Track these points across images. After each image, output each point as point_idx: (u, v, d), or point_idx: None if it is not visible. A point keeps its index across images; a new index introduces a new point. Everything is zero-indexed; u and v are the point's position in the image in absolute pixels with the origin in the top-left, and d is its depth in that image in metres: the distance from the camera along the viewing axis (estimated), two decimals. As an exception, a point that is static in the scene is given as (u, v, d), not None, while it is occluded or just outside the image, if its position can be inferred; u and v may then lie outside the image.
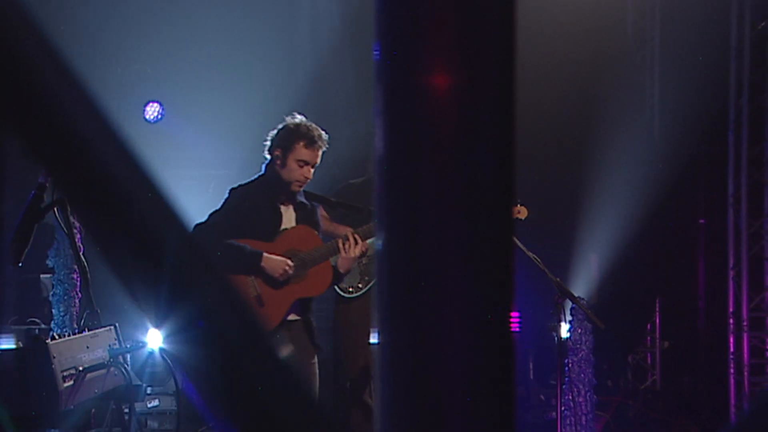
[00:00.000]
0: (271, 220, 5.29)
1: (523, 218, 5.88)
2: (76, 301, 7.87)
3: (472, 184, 1.01)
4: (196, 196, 9.96)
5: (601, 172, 9.79)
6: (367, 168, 6.61)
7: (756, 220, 8.88)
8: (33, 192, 3.71)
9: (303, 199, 5.44)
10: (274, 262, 5.10)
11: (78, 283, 7.90)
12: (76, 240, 3.79)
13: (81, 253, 3.81)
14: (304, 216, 5.39)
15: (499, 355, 1.04)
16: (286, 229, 5.32)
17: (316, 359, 5.39)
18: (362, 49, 9.96)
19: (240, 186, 5.41)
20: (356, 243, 5.20)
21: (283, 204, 5.35)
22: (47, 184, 3.78)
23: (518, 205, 5.78)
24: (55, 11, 9.27)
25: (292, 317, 5.25)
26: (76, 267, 7.66)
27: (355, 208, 5.58)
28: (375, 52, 1.03)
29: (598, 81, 10.24)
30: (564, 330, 9.12)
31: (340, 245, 5.22)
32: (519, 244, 5.06)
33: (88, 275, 3.71)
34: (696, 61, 9.49)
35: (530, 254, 5.18)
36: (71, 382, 3.05)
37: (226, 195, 5.41)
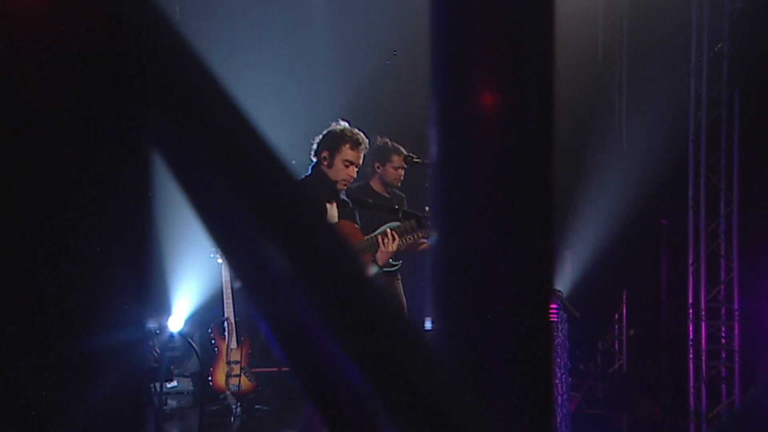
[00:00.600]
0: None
1: None
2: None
3: (515, 188, 1.05)
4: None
5: (576, 177, 9.83)
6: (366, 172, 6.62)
7: (713, 220, 8.93)
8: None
9: (344, 197, 5.48)
10: None
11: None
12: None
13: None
14: (346, 213, 5.44)
15: (538, 342, 1.06)
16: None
17: None
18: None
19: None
20: (394, 239, 5.22)
21: (328, 202, 5.38)
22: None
23: None
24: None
25: None
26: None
27: (392, 210, 5.60)
28: (431, 71, 1.06)
29: (573, 96, 10.26)
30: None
31: (380, 240, 5.24)
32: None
33: None
34: (659, 79, 9.53)
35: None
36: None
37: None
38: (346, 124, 5.45)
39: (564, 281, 8.87)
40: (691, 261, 9.02)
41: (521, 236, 1.07)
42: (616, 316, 10.18)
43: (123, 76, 0.82)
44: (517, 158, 1.08)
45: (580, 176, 9.74)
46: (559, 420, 5.93)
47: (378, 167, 5.64)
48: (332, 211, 5.37)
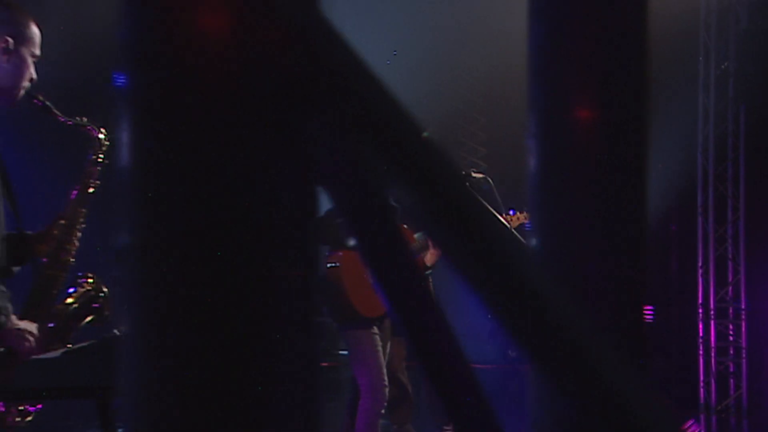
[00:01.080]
0: None
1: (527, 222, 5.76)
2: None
3: (610, 197, 1.04)
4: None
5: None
6: None
7: (720, 226, 8.95)
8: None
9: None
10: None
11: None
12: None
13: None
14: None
15: (634, 341, 1.06)
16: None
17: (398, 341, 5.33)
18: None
19: None
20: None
21: None
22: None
23: (524, 212, 5.70)
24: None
25: None
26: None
27: None
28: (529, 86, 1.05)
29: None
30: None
31: (430, 242, 5.12)
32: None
33: None
34: (670, 95, 9.51)
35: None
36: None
37: None
38: None
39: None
40: (700, 264, 9.02)
41: (616, 242, 1.07)
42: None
43: (304, 95, 0.80)
44: (612, 170, 1.06)
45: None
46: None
47: None
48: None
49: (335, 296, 4.98)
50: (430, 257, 5.12)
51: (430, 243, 5.06)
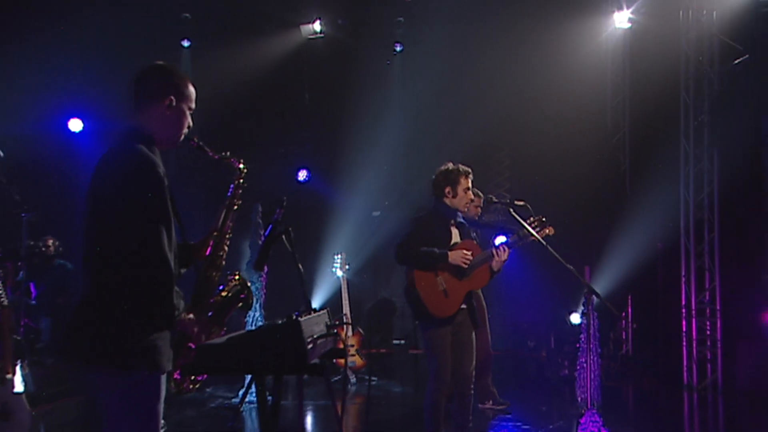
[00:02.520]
0: (446, 237, 5.09)
1: (551, 235, 5.67)
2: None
3: None
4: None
5: (591, 215, 9.84)
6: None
7: (699, 244, 8.91)
8: (271, 225, 3.73)
9: (462, 220, 5.25)
10: (456, 254, 4.93)
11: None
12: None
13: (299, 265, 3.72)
14: (465, 233, 5.20)
15: None
16: (456, 242, 5.11)
17: (473, 333, 5.17)
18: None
19: (420, 217, 5.19)
20: (504, 251, 5.02)
21: (452, 225, 5.16)
22: (280, 219, 3.79)
23: (549, 227, 5.61)
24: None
25: (462, 305, 5.06)
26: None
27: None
28: None
29: (588, 154, 10.30)
30: (576, 318, 9.17)
31: (495, 252, 5.00)
32: (557, 256, 4.96)
33: (304, 278, 3.69)
34: (656, 140, 9.53)
35: (568, 266, 5.00)
36: (311, 345, 3.06)
37: (412, 224, 5.18)
38: (451, 164, 5.21)
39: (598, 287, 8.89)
40: (683, 273, 8.99)
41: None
42: (623, 314, 10.03)
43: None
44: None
45: (594, 214, 9.73)
46: (593, 389, 5.80)
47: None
48: (455, 233, 5.15)
49: (416, 302, 5.00)
50: (495, 263, 5.09)
51: (494, 252, 5.04)
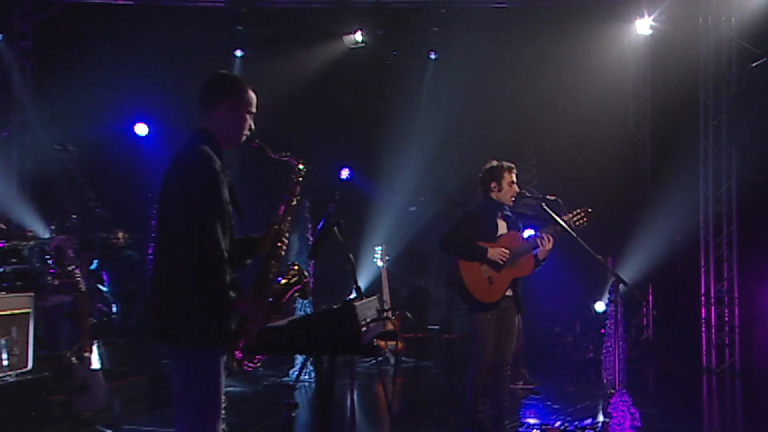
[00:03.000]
0: (492, 228, 5.09)
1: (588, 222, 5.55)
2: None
3: None
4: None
5: (612, 209, 9.75)
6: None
7: (718, 236, 8.77)
8: (324, 218, 3.75)
9: (509, 213, 5.23)
10: (495, 251, 4.93)
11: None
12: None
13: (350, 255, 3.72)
14: (511, 224, 5.19)
15: None
16: (502, 234, 5.11)
17: (518, 318, 5.20)
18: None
19: (470, 210, 5.20)
20: (549, 240, 4.96)
21: (498, 218, 5.15)
22: (332, 212, 3.82)
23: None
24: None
25: (508, 293, 5.07)
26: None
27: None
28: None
29: (611, 153, 10.19)
30: (600, 306, 9.08)
31: (539, 242, 4.96)
32: (587, 247, 4.90)
33: (355, 267, 3.70)
34: (676, 139, 9.39)
35: (597, 256, 4.93)
36: (365, 328, 3.08)
37: (461, 216, 5.18)
38: (495, 161, 5.19)
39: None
40: (702, 264, 8.86)
41: None
42: (644, 302, 9.90)
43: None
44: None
45: (617, 209, 9.61)
46: (618, 371, 5.75)
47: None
48: (502, 224, 5.14)
49: (462, 289, 5.02)
50: (541, 253, 5.06)
51: (539, 241, 5.00)
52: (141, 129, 10.33)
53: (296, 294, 3.28)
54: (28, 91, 10.17)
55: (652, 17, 9.33)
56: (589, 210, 5.16)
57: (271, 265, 3.20)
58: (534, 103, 10.04)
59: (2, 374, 5.17)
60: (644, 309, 10.02)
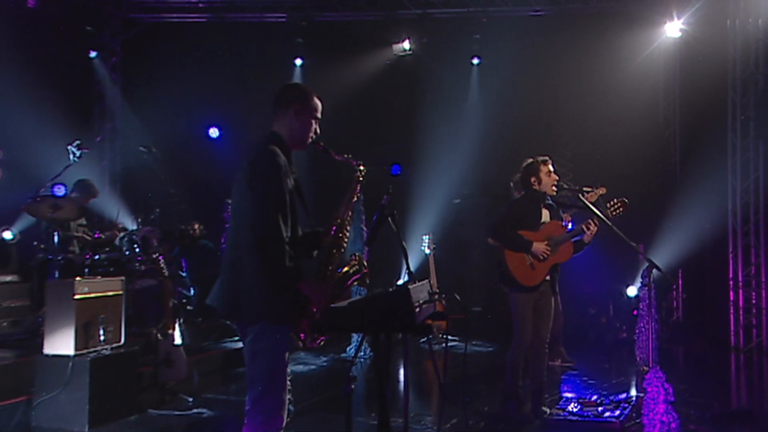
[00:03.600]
0: (537, 217, 5.05)
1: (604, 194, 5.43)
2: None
3: None
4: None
5: (644, 199, 9.50)
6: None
7: (745, 224, 8.50)
8: (378, 211, 3.74)
9: (551, 202, 5.16)
10: (538, 246, 4.90)
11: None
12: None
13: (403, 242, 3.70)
14: (553, 213, 5.15)
15: None
16: (544, 222, 5.07)
17: (557, 301, 5.20)
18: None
19: (515, 200, 5.22)
20: (595, 226, 4.90)
21: (542, 207, 5.11)
22: (387, 204, 3.80)
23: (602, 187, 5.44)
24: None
25: (546, 277, 5.04)
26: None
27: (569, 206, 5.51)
28: None
29: (642, 147, 9.94)
30: (632, 290, 8.90)
31: (584, 228, 4.93)
32: (621, 234, 4.79)
33: (408, 254, 3.66)
34: (704, 134, 9.11)
35: (631, 243, 4.81)
36: (418, 309, 3.07)
37: (508, 206, 5.19)
38: (530, 158, 5.16)
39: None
40: (731, 250, 8.60)
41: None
42: (674, 286, 9.64)
43: None
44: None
45: (648, 201, 9.36)
46: (651, 349, 5.61)
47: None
48: (545, 213, 5.10)
49: (506, 273, 4.98)
50: (587, 237, 5.01)
51: (584, 228, 4.96)
52: (213, 132, 10.54)
53: (356, 282, 3.29)
54: (117, 102, 10.46)
55: (681, 20, 9.05)
56: (625, 200, 5.08)
57: (334, 255, 3.22)
58: (569, 102, 9.91)
59: (100, 348, 5.32)
60: (674, 292, 9.76)
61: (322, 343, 3.18)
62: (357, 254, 3.35)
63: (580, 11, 9.55)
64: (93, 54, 10.23)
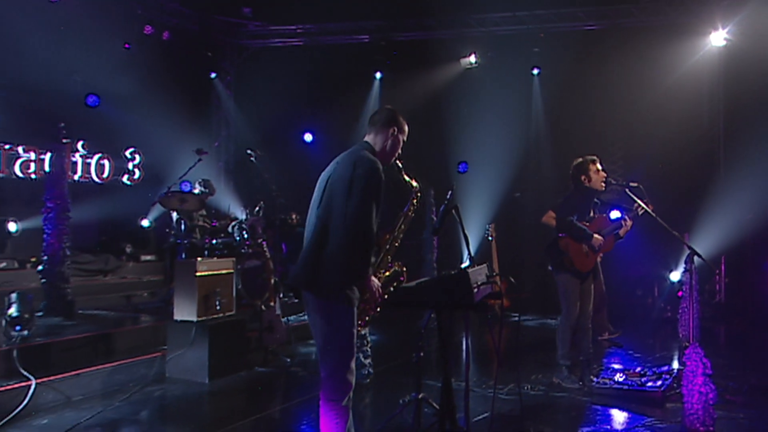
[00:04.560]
0: (586, 212, 4.93)
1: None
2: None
3: None
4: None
5: (689, 192, 8.99)
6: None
7: None
8: (444, 203, 3.71)
9: (596, 200, 5.02)
10: (597, 238, 4.81)
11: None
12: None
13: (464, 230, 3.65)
14: (597, 209, 5.02)
15: None
16: (593, 216, 4.96)
17: (593, 284, 5.03)
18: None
19: (569, 195, 5.01)
20: (630, 220, 4.82)
21: (591, 203, 4.98)
22: (451, 198, 3.78)
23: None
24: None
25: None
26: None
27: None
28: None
29: (689, 145, 9.42)
30: (675, 275, 8.47)
31: (623, 223, 4.86)
32: (665, 225, 4.58)
33: (469, 241, 3.63)
34: (747, 133, 8.52)
35: (674, 232, 4.60)
36: (476, 289, 3.05)
37: (564, 200, 5.00)
38: (580, 158, 5.01)
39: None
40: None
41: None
42: (716, 270, 9.09)
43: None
44: None
45: (693, 194, 8.84)
46: (692, 327, 5.34)
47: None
48: (592, 210, 4.99)
49: (566, 259, 4.87)
50: (623, 231, 4.88)
51: (623, 222, 4.83)
52: (308, 137, 10.77)
53: (392, 287, 3.23)
54: (231, 113, 10.90)
55: (725, 30, 8.48)
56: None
57: (385, 260, 3.23)
58: (619, 106, 9.57)
59: (216, 315, 5.57)
60: (717, 277, 9.21)
61: (365, 324, 3.17)
62: (398, 262, 3.30)
63: (629, 24, 9.19)
64: (213, 75, 10.71)
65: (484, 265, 3.52)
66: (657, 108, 9.19)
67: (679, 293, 6.93)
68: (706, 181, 9.16)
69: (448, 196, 3.74)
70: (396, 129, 3.12)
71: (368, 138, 3.14)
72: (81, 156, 9.01)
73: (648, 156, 9.50)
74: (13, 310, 4.88)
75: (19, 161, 8.24)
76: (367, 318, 3.10)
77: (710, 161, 9.48)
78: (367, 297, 3.00)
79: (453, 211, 3.63)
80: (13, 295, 5.00)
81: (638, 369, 5.18)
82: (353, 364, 2.93)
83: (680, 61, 9.04)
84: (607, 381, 4.89)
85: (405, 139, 3.20)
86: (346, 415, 2.92)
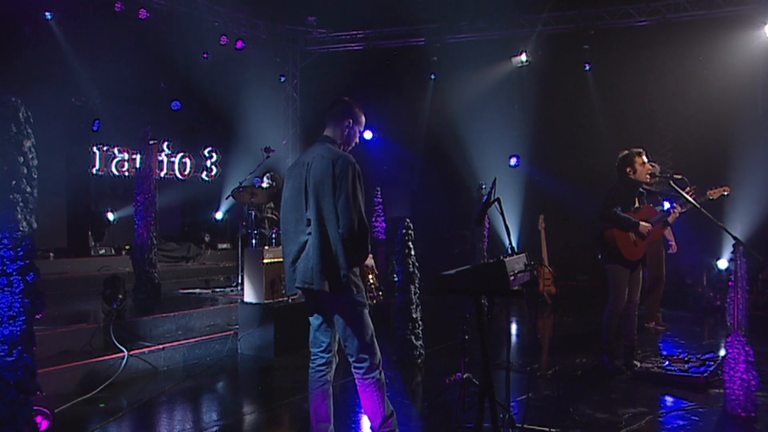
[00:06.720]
0: (631, 202, 4.77)
1: (727, 195, 4.96)
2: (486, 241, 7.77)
3: None
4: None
5: (738, 182, 8.50)
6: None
7: None
8: (486, 196, 3.70)
9: (642, 190, 4.85)
10: (644, 226, 4.64)
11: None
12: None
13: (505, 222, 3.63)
14: (644, 200, 4.85)
15: None
16: (639, 207, 4.79)
17: (641, 273, 4.86)
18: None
19: (614, 187, 4.78)
20: (681, 207, 4.67)
21: (636, 194, 4.81)
22: (492, 190, 3.76)
23: (726, 187, 4.93)
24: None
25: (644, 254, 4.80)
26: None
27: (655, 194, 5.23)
28: None
29: (744, 134, 8.91)
30: (723, 263, 8.03)
31: (672, 211, 4.77)
32: (709, 215, 4.36)
33: (510, 232, 3.60)
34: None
35: (719, 223, 4.39)
36: (513, 277, 3.03)
37: (609, 192, 4.77)
38: (626, 150, 4.80)
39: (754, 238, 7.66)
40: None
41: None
42: (763, 261, 8.53)
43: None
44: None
45: (743, 186, 8.34)
46: (737, 315, 5.08)
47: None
48: (637, 200, 4.82)
49: (613, 249, 4.73)
50: (671, 218, 4.73)
51: (672, 211, 4.68)
52: (368, 134, 10.91)
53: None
54: (297, 113, 11.18)
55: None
56: (696, 188, 4.66)
57: None
58: (670, 98, 9.17)
59: (281, 299, 5.75)
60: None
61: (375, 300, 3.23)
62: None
63: (679, 19, 8.80)
64: (281, 78, 11.02)
65: (523, 254, 3.49)
66: (709, 99, 8.74)
67: (729, 282, 6.59)
68: (758, 174, 8.62)
69: (490, 189, 3.73)
70: (351, 121, 3.04)
71: (327, 131, 3.06)
72: (166, 155, 9.51)
73: (698, 149, 9.07)
74: (109, 291, 5.24)
75: (114, 161, 8.83)
76: (372, 293, 3.16)
77: (763, 152, 8.92)
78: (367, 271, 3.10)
79: (495, 203, 3.61)
80: (110, 278, 5.37)
81: (683, 355, 4.99)
82: (375, 339, 2.97)
83: (732, 53, 8.54)
84: (650, 366, 4.75)
85: (362, 128, 3.12)
86: (383, 386, 2.96)
